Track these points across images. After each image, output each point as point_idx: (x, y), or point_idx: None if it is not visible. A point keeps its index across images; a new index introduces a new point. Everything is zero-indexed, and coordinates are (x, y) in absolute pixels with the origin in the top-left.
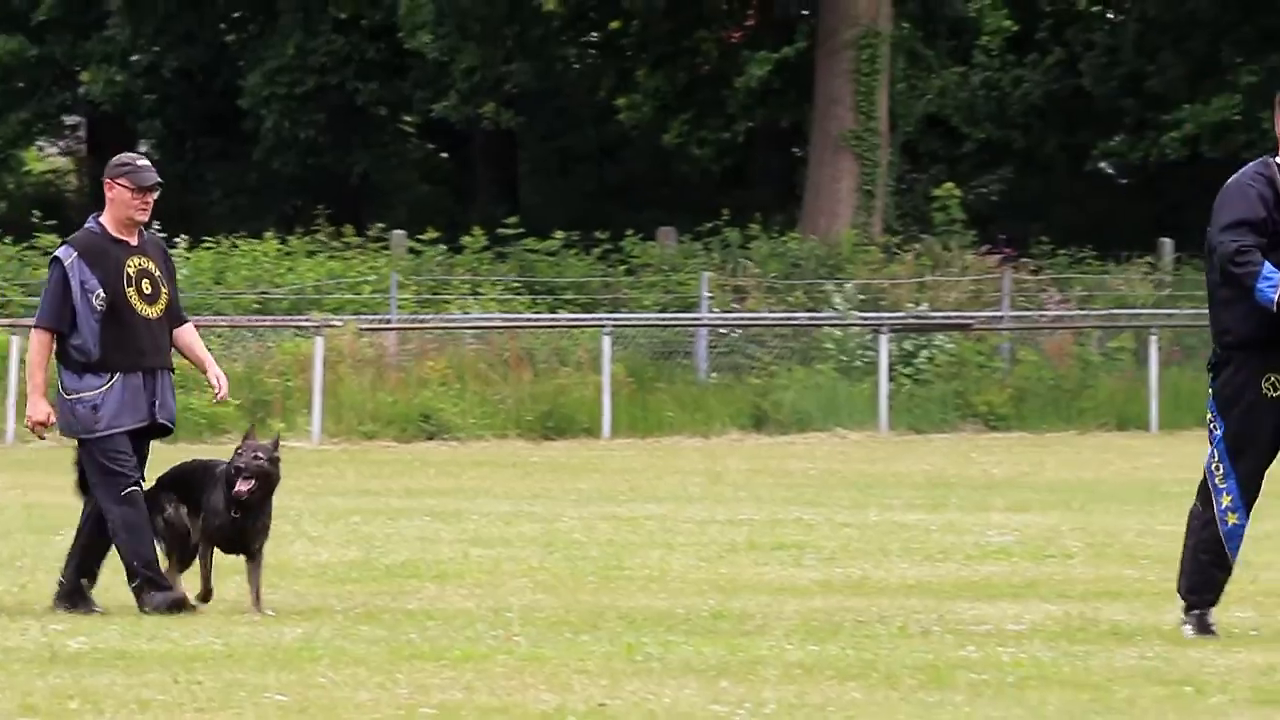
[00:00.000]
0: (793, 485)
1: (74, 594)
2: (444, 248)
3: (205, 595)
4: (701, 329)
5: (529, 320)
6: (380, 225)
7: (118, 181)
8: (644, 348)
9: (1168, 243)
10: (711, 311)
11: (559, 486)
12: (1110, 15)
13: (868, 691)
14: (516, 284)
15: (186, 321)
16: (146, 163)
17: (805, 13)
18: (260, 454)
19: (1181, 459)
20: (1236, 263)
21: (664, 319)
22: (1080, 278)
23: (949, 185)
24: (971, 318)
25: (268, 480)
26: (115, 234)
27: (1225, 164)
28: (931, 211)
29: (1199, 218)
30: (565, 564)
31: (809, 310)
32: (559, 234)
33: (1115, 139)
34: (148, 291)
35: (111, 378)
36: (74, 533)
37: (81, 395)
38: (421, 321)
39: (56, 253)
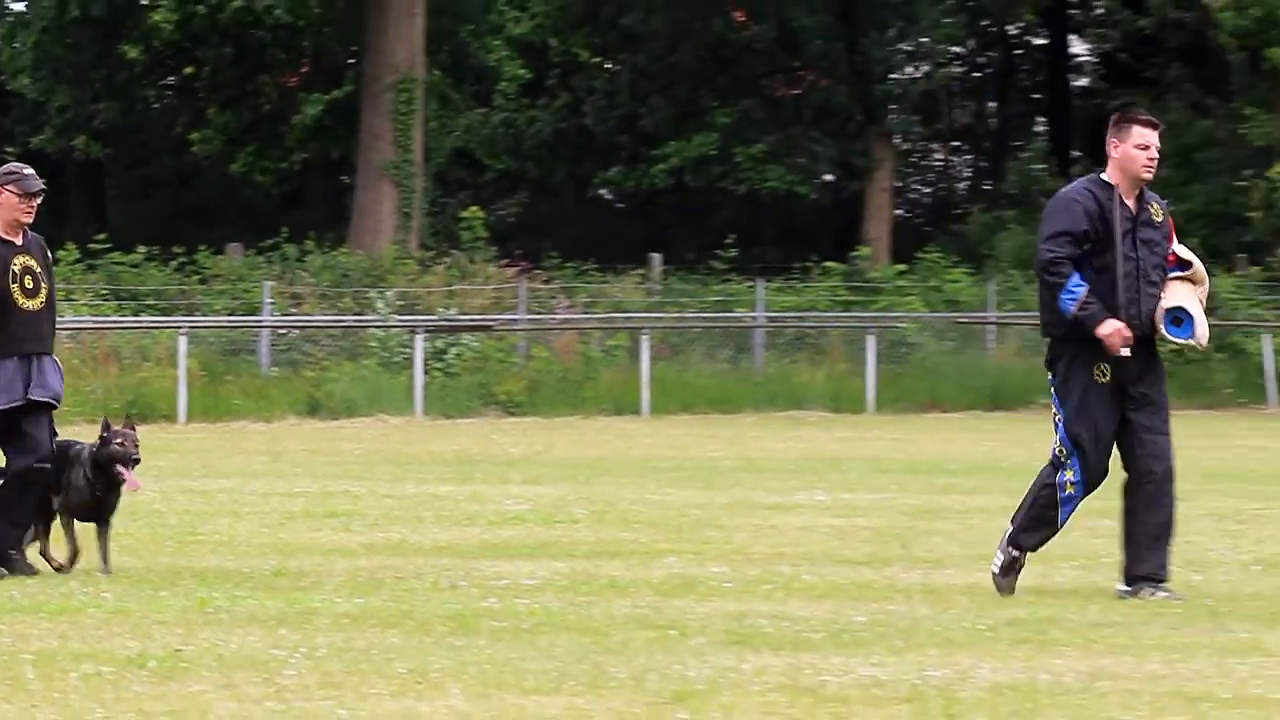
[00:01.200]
0: (342, 463)
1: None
2: None
3: (74, 557)
4: (264, 330)
5: (115, 322)
6: None
7: (6, 188)
8: (214, 346)
9: (657, 257)
10: (272, 315)
11: (142, 464)
12: (608, 65)
13: (405, 637)
14: (105, 291)
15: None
16: (31, 171)
17: (351, 61)
18: (137, 442)
19: (669, 439)
20: (1050, 272)
21: (232, 321)
22: (584, 286)
23: (474, 208)
24: (493, 320)
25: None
26: (2, 234)
27: (705, 191)
28: (460, 230)
29: (684, 236)
30: (147, 530)
31: (356, 314)
32: (142, 249)
33: (613, 169)
34: (29, 286)
35: None
36: None
37: None
38: None
39: None
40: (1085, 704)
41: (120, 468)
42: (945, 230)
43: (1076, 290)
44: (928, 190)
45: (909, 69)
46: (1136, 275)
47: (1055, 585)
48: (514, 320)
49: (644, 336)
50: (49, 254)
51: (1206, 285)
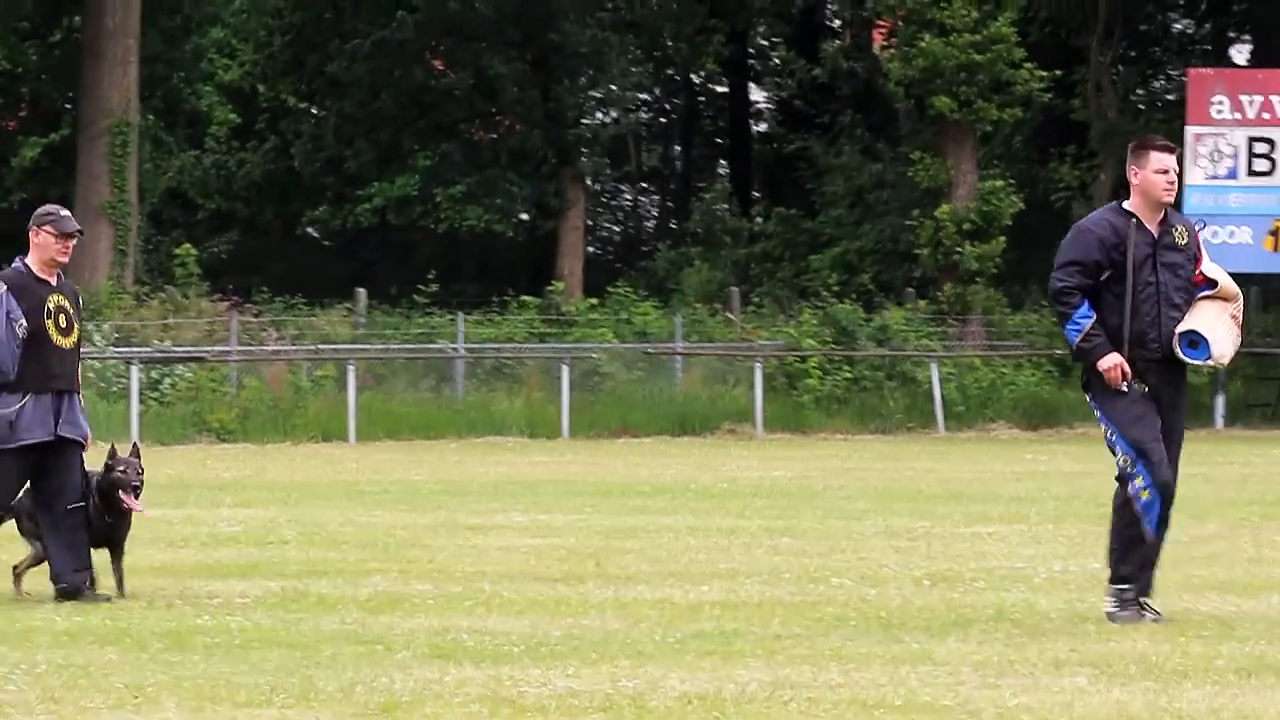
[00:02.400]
0: None
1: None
2: None
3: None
4: None
5: None
6: None
7: (43, 229)
8: None
9: (362, 292)
10: None
11: None
12: (315, 110)
13: (122, 653)
14: None
15: None
16: (68, 213)
17: (69, 105)
18: (140, 469)
19: (374, 464)
20: (1060, 300)
21: None
22: (293, 319)
23: (187, 246)
24: (206, 351)
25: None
26: (39, 274)
27: (407, 229)
28: (174, 266)
29: (387, 272)
30: None
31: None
32: None
33: (320, 209)
34: (63, 325)
35: (25, 396)
36: None
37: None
38: None
39: None
40: (769, 712)
41: (122, 494)
42: (634, 266)
43: (1082, 322)
44: (618, 228)
45: (599, 115)
46: (1157, 299)
47: (740, 599)
48: (226, 351)
49: (350, 367)
50: (79, 297)
51: (1239, 298)
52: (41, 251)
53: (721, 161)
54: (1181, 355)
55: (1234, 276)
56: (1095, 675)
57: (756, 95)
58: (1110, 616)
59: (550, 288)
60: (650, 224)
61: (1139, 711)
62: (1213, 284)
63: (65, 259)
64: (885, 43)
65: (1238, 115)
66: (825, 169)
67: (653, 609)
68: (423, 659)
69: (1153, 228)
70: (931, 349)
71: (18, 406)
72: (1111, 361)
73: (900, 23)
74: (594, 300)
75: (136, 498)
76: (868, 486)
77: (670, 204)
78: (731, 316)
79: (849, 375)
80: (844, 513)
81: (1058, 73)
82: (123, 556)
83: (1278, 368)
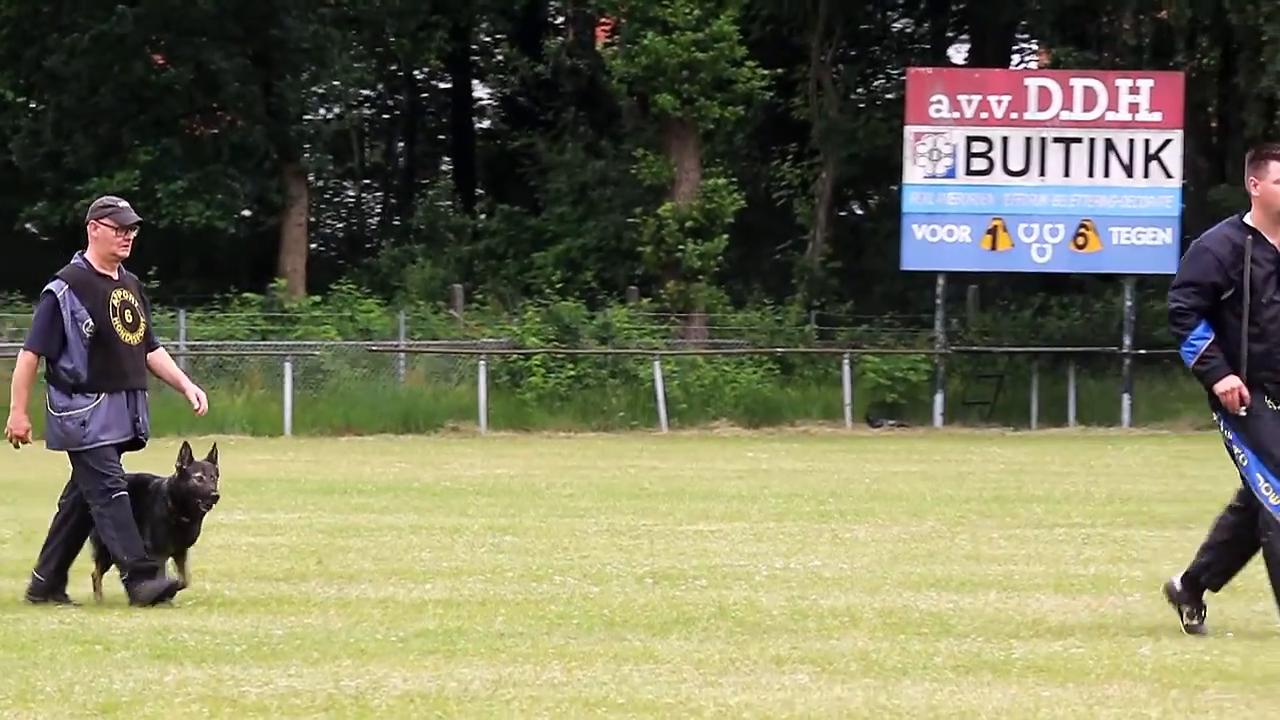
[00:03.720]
0: None
1: (52, 589)
2: None
3: (183, 583)
4: None
5: None
6: None
7: (102, 221)
8: None
9: None
10: None
11: None
12: (33, 105)
13: None
14: None
15: (158, 346)
16: (126, 204)
17: None
18: (216, 474)
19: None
20: (1175, 322)
21: None
22: (11, 317)
23: None
24: None
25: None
26: (100, 269)
27: None
28: None
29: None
30: None
31: None
32: None
33: (39, 205)
34: (129, 320)
35: (98, 397)
36: (50, 534)
37: (71, 412)
38: None
39: (50, 285)
40: (491, 710)
41: (201, 503)
42: (358, 263)
43: (1197, 344)
44: (341, 225)
45: (322, 110)
46: None
47: (463, 598)
48: None
49: None
50: (143, 289)
51: None
52: (101, 245)
53: (445, 158)
54: None
55: (952, 276)
56: (816, 673)
57: (480, 92)
58: None
59: (273, 285)
60: (374, 221)
61: (859, 709)
62: None
63: (126, 252)
64: (608, 40)
65: (956, 114)
66: (549, 166)
67: (376, 608)
68: (143, 659)
69: (1276, 241)
70: (654, 346)
71: (90, 407)
72: (1230, 384)
73: (623, 20)
74: (317, 297)
75: (212, 507)
76: (590, 484)
77: (394, 200)
78: (455, 314)
79: (572, 373)
80: (567, 510)
81: (779, 71)
82: (188, 557)
83: (996, 366)
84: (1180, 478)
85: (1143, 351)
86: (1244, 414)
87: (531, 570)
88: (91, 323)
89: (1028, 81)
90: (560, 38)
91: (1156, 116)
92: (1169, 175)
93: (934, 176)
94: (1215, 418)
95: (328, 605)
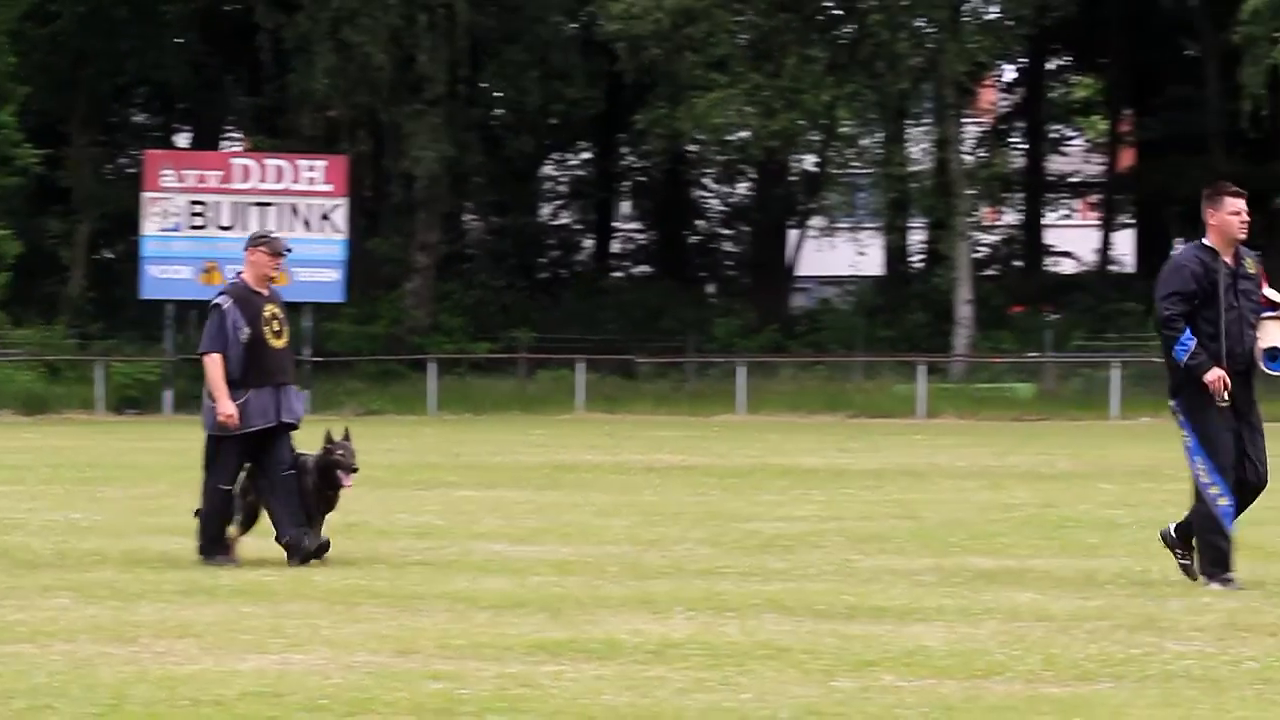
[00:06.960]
0: None
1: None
2: None
3: (325, 546)
4: None
5: None
6: None
7: (258, 249)
8: None
9: None
10: None
11: None
12: None
13: None
14: None
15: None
16: (278, 235)
17: None
18: (353, 451)
19: None
20: (1169, 326)
21: None
22: None
23: None
24: None
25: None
26: (255, 287)
27: None
28: None
29: None
30: None
31: None
32: None
33: None
34: (276, 329)
35: (247, 391)
36: (268, 507)
37: None
38: None
39: (216, 300)
40: None
41: (341, 474)
42: None
43: (1188, 343)
44: None
45: None
46: (1240, 320)
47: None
48: None
49: None
50: (284, 303)
51: None
52: (256, 269)
53: None
54: (1264, 369)
55: (179, 303)
56: (75, 597)
57: None
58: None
59: None
60: None
61: (107, 624)
62: (1274, 305)
63: (276, 274)
64: None
65: (181, 184)
66: None
67: None
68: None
69: (1229, 260)
70: None
71: (241, 400)
72: (1216, 374)
73: None
74: None
75: (350, 477)
76: None
77: None
78: None
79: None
80: None
81: (49, 150)
82: (323, 521)
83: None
84: None
85: (320, 359)
86: (1225, 397)
87: None
88: (248, 331)
89: (234, 161)
90: None
91: (329, 188)
92: (337, 231)
93: (166, 230)
94: (1171, 404)
95: None
